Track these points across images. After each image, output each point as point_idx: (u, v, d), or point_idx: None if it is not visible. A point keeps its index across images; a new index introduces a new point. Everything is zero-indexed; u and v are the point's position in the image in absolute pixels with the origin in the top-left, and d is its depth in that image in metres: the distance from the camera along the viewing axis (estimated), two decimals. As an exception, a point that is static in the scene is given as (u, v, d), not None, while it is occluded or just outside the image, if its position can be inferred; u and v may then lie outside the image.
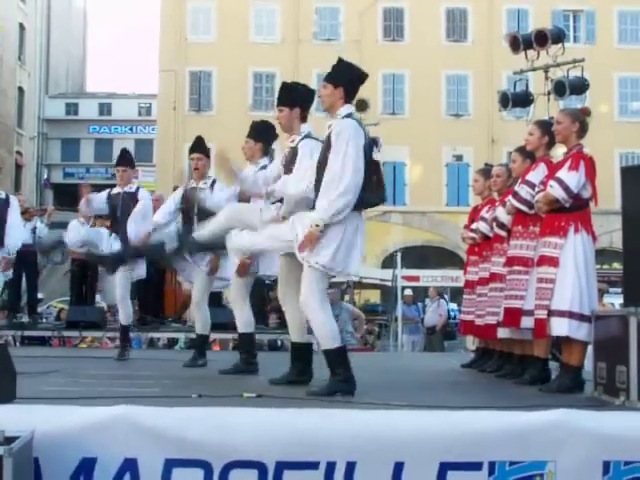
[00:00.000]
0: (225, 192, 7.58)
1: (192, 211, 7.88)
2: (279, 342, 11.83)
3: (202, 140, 8.05)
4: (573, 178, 5.70)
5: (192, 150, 8.01)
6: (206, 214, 7.23)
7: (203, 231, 6.44)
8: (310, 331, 5.68)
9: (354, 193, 5.15)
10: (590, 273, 5.71)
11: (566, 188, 5.70)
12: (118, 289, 8.49)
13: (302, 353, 6.08)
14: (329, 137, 5.29)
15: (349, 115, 5.35)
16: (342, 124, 5.26)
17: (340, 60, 5.50)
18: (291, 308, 5.99)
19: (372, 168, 5.27)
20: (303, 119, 6.19)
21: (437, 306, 18.97)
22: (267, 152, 7.37)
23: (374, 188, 5.29)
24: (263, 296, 11.84)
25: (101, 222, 12.23)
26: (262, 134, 7.34)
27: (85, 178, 51.76)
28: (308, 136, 6.08)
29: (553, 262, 5.73)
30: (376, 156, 5.35)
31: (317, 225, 5.13)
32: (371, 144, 5.33)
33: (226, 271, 7.59)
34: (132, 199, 8.44)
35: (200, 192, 7.80)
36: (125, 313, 8.60)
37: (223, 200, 7.29)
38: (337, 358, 5.28)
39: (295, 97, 6.19)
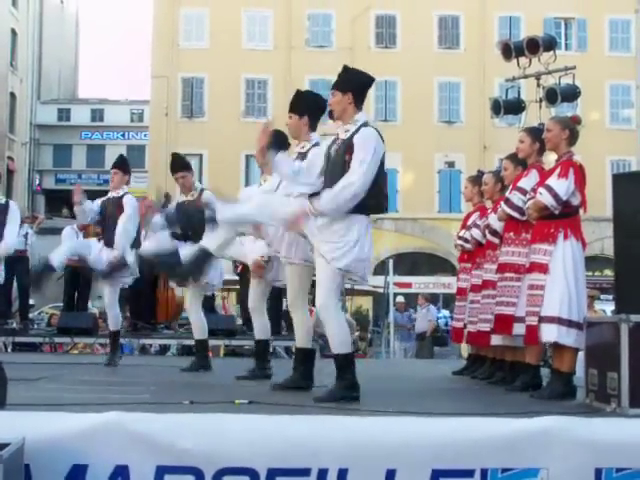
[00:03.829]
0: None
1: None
2: (271, 349, 11.79)
3: (179, 157, 8.21)
4: (562, 185, 5.73)
5: (174, 170, 8.05)
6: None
7: (228, 212, 6.07)
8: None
9: (358, 197, 5.25)
10: (579, 279, 5.73)
11: (555, 195, 5.72)
12: (106, 296, 8.54)
13: (307, 358, 6.23)
14: (349, 141, 5.33)
15: (366, 124, 5.43)
16: (366, 133, 5.37)
17: (346, 67, 5.58)
18: (299, 315, 6.18)
19: (383, 179, 5.45)
20: (312, 128, 6.26)
21: (426, 312, 19.04)
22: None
23: (380, 197, 5.46)
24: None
25: (94, 229, 12.22)
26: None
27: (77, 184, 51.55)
28: (318, 144, 6.13)
29: (543, 269, 5.75)
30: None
31: (313, 210, 5.25)
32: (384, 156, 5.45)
33: (213, 278, 7.76)
34: (117, 204, 8.49)
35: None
36: (113, 319, 8.61)
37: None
38: (346, 363, 5.35)
39: (305, 106, 6.24)
